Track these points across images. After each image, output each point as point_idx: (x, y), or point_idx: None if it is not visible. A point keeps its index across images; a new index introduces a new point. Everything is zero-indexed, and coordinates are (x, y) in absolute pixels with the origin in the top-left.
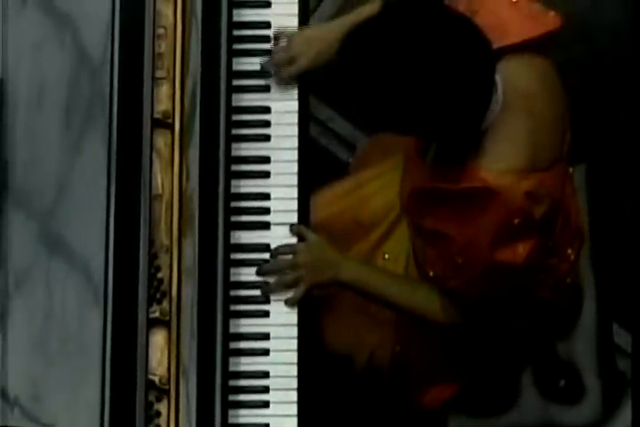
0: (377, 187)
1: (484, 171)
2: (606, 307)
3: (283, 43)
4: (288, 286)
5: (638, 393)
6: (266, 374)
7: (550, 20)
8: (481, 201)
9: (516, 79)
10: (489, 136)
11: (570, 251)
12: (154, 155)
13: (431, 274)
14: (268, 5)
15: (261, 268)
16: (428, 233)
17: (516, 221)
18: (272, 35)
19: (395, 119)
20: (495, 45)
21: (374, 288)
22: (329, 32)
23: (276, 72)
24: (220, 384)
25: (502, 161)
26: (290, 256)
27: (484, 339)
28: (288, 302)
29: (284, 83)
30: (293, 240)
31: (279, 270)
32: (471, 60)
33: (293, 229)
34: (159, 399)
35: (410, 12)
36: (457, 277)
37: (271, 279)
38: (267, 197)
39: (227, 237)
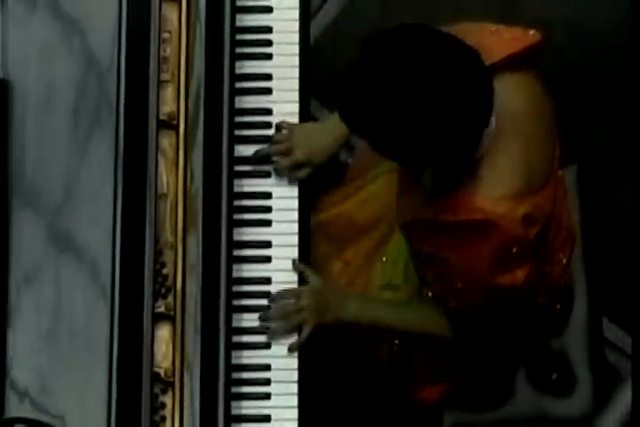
0: (376, 188)
1: (481, 198)
2: (597, 302)
3: (284, 132)
4: (292, 331)
5: (639, 393)
6: (267, 367)
7: (530, 37)
8: (480, 232)
9: (507, 101)
10: (484, 161)
11: (562, 255)
12: (159, 155)
13: (430, 295)
14: (270, 11)
15: (265, 314)
16: (427, 257)
17: (515, 249)
18: (274, 124)
19: (396, 151)
20: None
21: (379, 321)
22: (329, 133)
23: (273, 160)
24: (223, 377)
25: (499, 186)
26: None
27: (479, 338)
28: (292, 347)
29: (280, 172)
30: (293, 238)
31: (284, 317)
32: (469, 81)
33: (296, 266)
34: (164, 391)
35: (402, 36)
36: (456, 298)
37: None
38: (268, 195)
39: (230, 234)
